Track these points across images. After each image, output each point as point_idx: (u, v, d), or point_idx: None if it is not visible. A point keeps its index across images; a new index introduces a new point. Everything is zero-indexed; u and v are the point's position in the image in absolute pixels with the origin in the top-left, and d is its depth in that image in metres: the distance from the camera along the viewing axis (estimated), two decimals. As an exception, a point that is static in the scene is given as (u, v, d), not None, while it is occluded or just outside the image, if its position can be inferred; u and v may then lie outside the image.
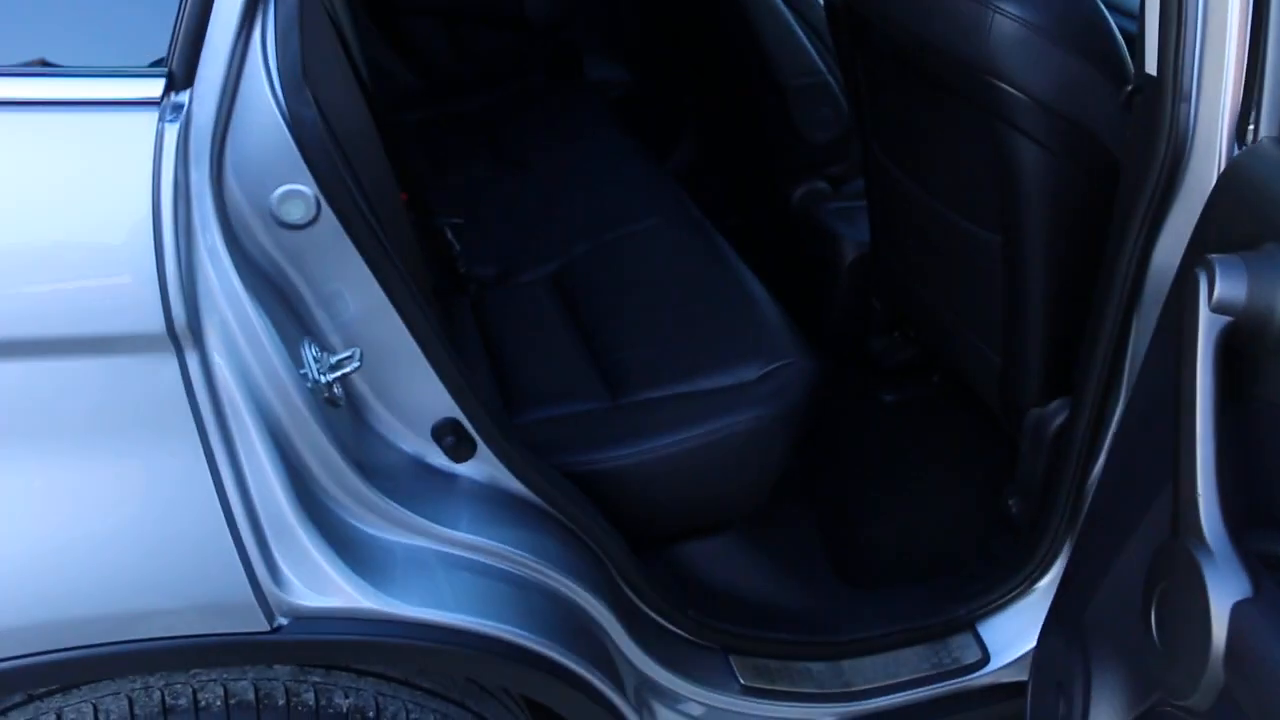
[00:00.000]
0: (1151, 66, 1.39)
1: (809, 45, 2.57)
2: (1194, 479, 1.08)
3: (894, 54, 1.90)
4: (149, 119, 1.05)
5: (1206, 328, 1.08)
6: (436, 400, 1.38)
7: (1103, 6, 1.62)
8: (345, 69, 1.37)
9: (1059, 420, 1.84)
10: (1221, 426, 1.08)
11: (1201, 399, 1.08)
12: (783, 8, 2.52)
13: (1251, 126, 1.27)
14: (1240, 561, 1.05)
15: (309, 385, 1.21)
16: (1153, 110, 1.39)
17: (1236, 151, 1.30)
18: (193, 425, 1.12)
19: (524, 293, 2.16)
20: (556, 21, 3.30)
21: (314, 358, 1.24)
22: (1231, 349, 1.09)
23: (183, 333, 1.09)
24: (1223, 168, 1.34)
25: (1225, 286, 1.08)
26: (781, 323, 1.93)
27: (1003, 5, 1.57)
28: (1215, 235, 1.20)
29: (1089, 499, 1.67)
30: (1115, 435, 1.51)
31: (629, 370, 1.86)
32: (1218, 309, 1.08)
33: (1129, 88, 1.50)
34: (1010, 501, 1.98)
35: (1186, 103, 1.36)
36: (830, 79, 2.58)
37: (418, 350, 1.33)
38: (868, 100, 2.13)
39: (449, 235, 2.18)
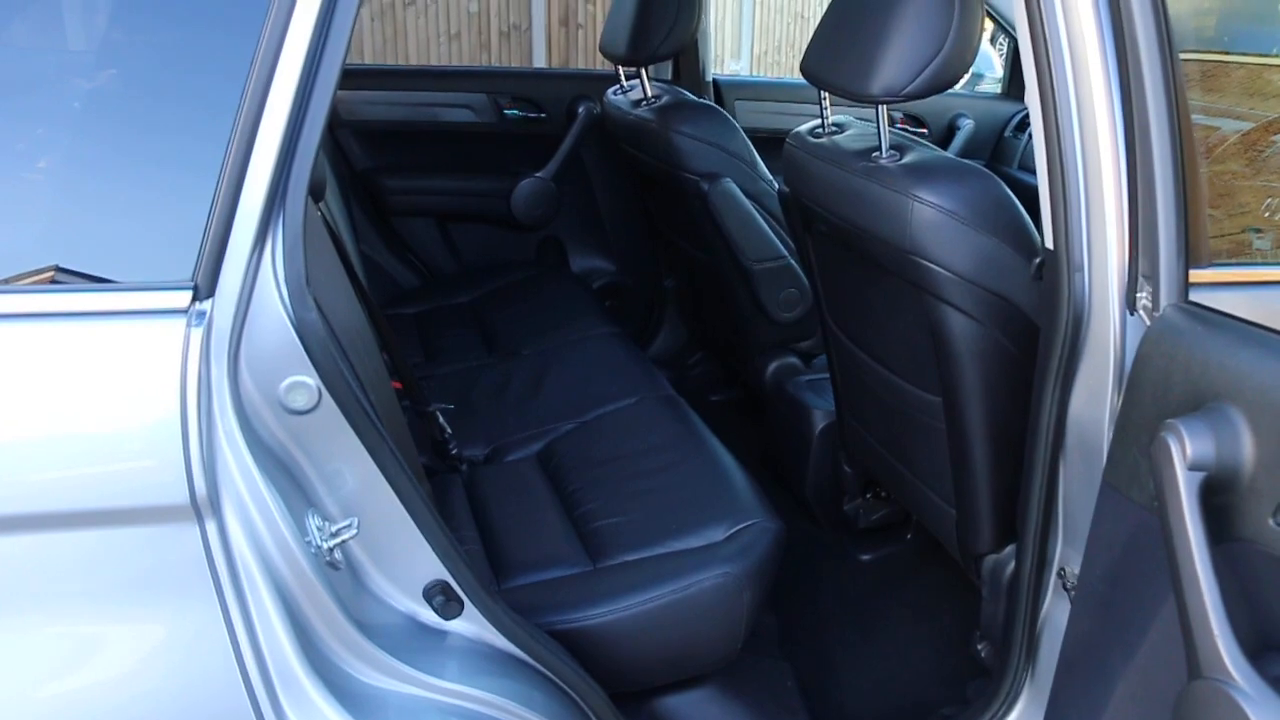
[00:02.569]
0: (1049, 241, 1.59)
1: (769, 232, 2.79)
2: (1208, 623, 1.19)
3: (836, 237, 2.11)
4: (178, 325, 1.24)
5: (1187, 485, 1.20)
6: (426, 564, 1.53)
7: (1009, 191, 1.83)
8: (342, 275, 1.56)
9: (1011, 566, 1.97)
10: (1217, 570, 1.20)
11: (1197, 549, 1.20)
12: (744, 199, 2.75)
13: (1143, 295, 1.45)
14: (1272, 689, 1.16)
15: (313, 551, 1.36)
16: (1054, 280, 1.58)
17: (1129, 315, 1.49)
18: (211, 586, 1.28)
19: (512, 470, 2.33)
20: (541, 220, 3.56)
21: (317, 526, 1.39)
22: (1207, 500, 1.22)
23: (203, 504, 1.25)
24: (1118, 330, 1.52)
25: (1196, 446, 1.21)
26: (747, 488, 2.09)
27: (920, 195, 1.79)
28: (1151, 400, 1.35)
29: (1042, 637, 1.80)
30: (1079, 586, 1.63)
31: (608, 537, 2.01)
32: (1194, 467, 1.21)
33: (1037, 260, 1.70)
34: (979, 646, 2.09)
35: (1080, 272, 1.55)
36: (792, 262, 2.80)
37: (409, 519, 1.49)
38: (819, 278, 2.34)
39: (441, 420, 2.36)
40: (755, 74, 8.60)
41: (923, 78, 1.76)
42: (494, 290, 3.35)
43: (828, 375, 2.58)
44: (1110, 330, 1.53)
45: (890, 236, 1.85)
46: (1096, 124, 1.48)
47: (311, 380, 1.35)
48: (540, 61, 7.97)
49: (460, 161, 3.57)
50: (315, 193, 1.78)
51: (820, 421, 2.68)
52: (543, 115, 3.54)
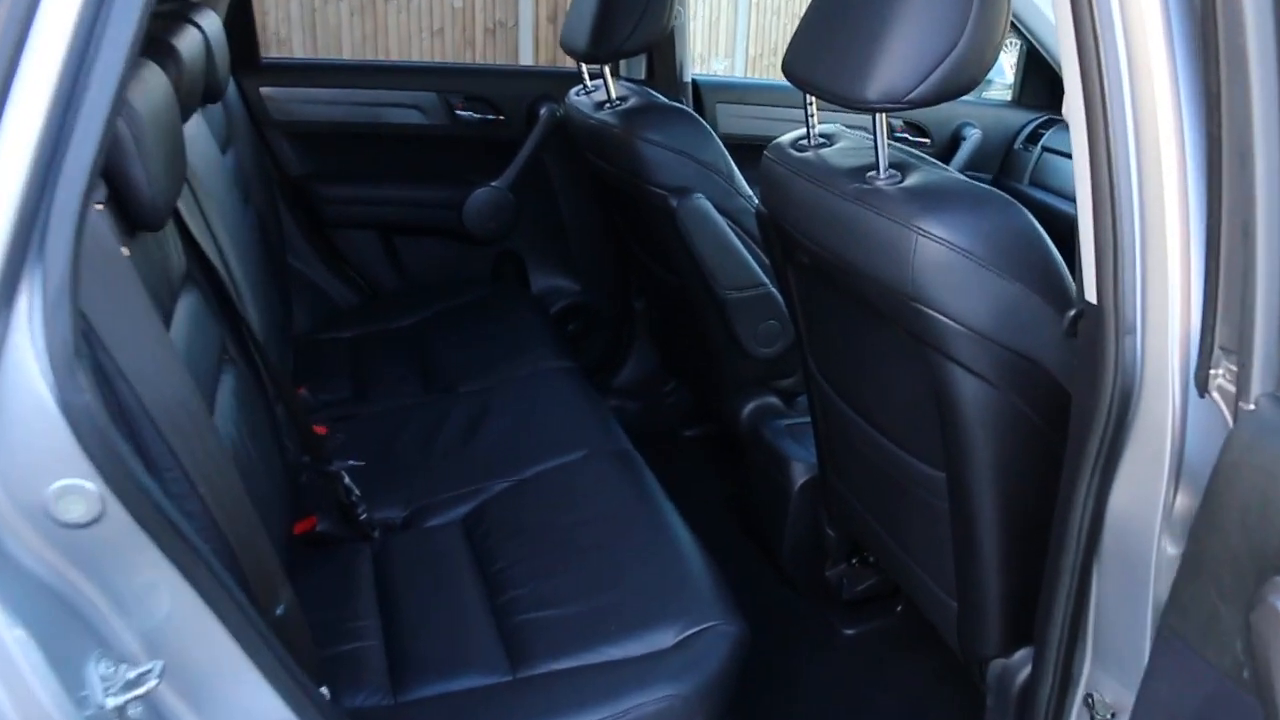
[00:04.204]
0: (1091, 293, 1.23)
1: (747, 256, 2.43)
2: None
3: (822, 272, 1.74)
4: None
5: None
6: (271, 712, 1.16)
7: (1036, 224, 1.47)
8: (159, 329, 1.20)
9: (1024, 674, 1.62)
10: None
11: None
12: (717, 218, 2.39)
13: (1219, 372, 1.09)
14: None
15: (88, 713, 0.99)
16: (1095, 341, 1.22)
17: (1198, 398, 1.13)
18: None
19: (431, 540, 1.96)
20: (496, 234, 3.19)
21: (103, 676, 1.02)
22: None
23: None
24: (1178, 413, 1.16)
25: None
26: (706, 576, 1.72)
27: (927, 227, 1.42)
28: (1242, 531, 0.99)
29: None
30: None
31: (534, 635, 1.64)
32: None
33: (1071, 312, 1.33)
34: None
35: (1132, 335, 1.19)
36: (773, 289, 2.43)
37: (243, 656, 1.12)
38: (801, 316, 1.98)
39: (346, 480, 1.99)
40: (744, 76, 8.21)
41: (931, 80, 1.40)
42: (440, 313, 2.98)
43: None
44: (1169, 412, 1.17)
45: (887, 277, 1.49)
46: (1160, 140, 1.12)
47: (91, 484, 0.99)
48: (528, 60, 7.62)
49: (407, 168, 3.20)
50: (148, 221, 1.41)
51: (801, 475, 2.32)
52: (500, 117, 3.17)
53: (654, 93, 2.66)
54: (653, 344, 3.27)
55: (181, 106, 1.75)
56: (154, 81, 1.56)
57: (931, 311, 1.45)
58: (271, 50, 7.56)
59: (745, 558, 2.55)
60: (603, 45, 2.49)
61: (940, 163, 1.63)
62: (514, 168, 3.14)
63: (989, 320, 1.42)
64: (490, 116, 3.16)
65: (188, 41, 2.03)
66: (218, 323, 1.80)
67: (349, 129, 3.12)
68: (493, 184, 3.14)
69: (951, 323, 1.43)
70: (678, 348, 3.08)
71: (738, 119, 3.21)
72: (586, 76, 2.74)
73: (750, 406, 2.61)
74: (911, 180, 1.52)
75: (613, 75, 2.71)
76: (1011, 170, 3.20)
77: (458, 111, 3.14)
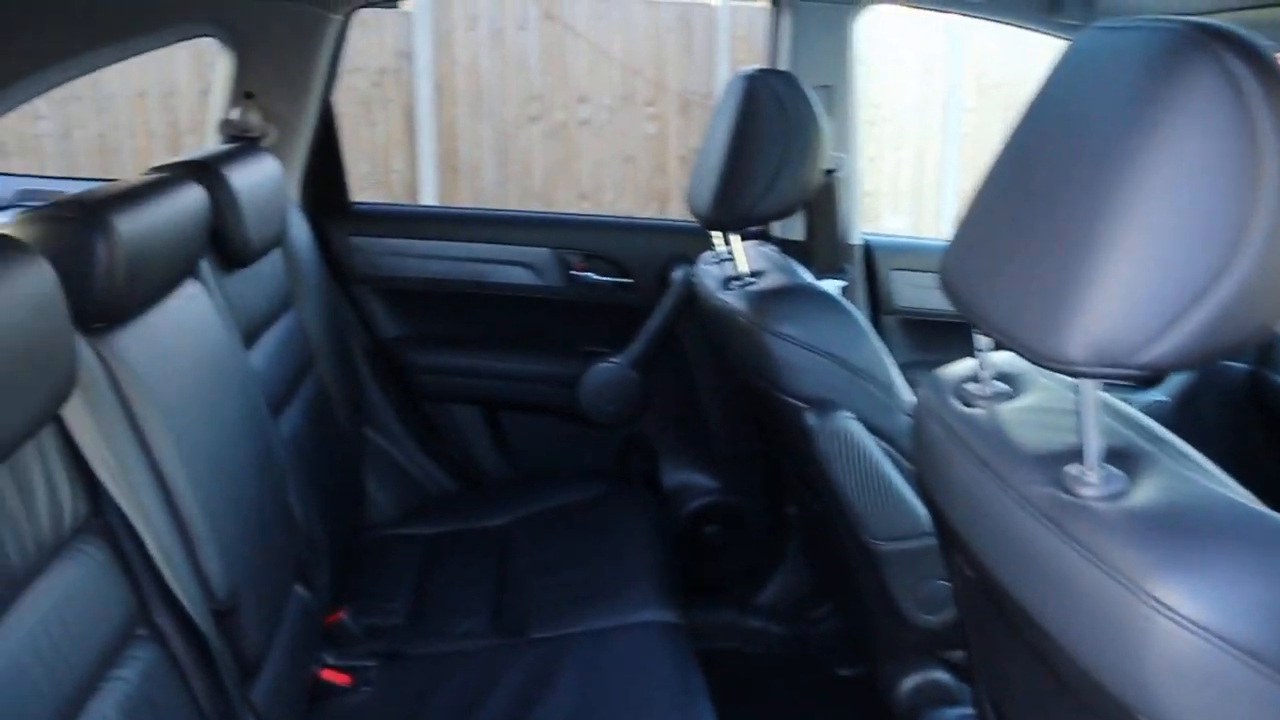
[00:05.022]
0: None
1: (908, 494, 1.80)
2: None
3: (994, 600, 1.12)
4: None
5: None
6: None
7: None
8: None
9: None
10: None
11: None
12: (869, 442, 1.78)
13: None
14: None
15: None
16: None
17: None
18: None
19: None
20: (617, 418, 2.64)
21: None
22: None
23: None
24: None
25: None
26: None
27: (1170, 602, 0.79)
28: None
29: None
30: None
31: None
32: None
33: None
34: None
35: None
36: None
37: None
38: (970, 628, 1.35)
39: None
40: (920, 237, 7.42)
41: (1181, 335, 0.79)
42: (541, 514, 2.44)
43: None
44: None
45: (1096, 665, 0.86)
46: None
47: None
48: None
49: (515, 335, 2.71)
50: None
51: None
52: (628, 280, 2.64)
53: (798, 268, 2.08)
54: (807, 557, 2.65)
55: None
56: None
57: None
58: (463, 179, 7.39)
59: None
60: (728, 210, 1.93)
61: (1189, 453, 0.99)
62: (640, 341, 2.60)
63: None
64: (614, 279, 2.64)
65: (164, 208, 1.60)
66: (123, 585, 1.32)
67: (448, 287, 2.65)
68: (613, 359, 2.61)
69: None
70: (834, 570, 2.45)
71: (920, 290, 2.59)
72: (719, 241, 2.20)
73: (911, 683, 1.97)
74: (1144, 493, 0.89)
75: (760, 237, 2.16)
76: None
77: (574, 272, 2.64)
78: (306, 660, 1.85)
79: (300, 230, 2.36)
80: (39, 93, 2.36)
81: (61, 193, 1.97)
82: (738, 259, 2.01)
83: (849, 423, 1.78)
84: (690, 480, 2.75)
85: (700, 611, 2.59)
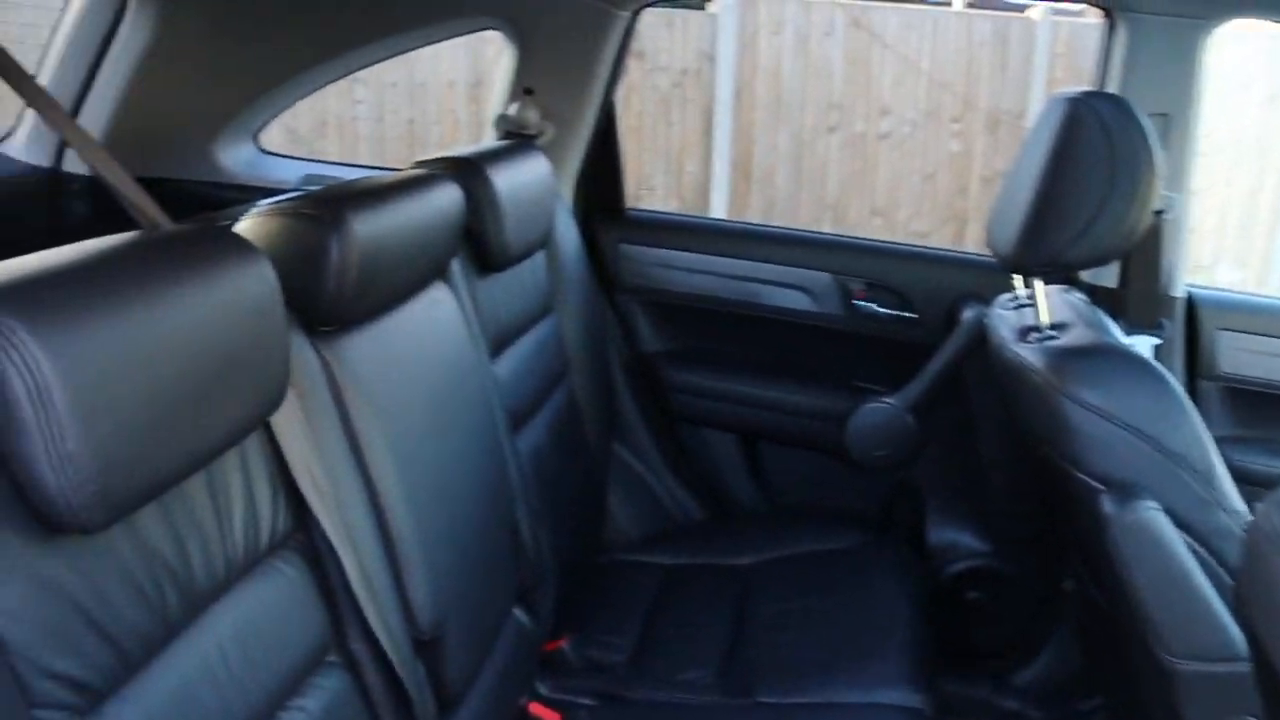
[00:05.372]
0: None
1: (1220, 608, 1.51)
2: None
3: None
4: None
5: None
6: None
7: None
8: None
9: None
10: None
11: None
12: (1176, 544, 1.50)
13: None
14: None
15: None
16: None
17: None
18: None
19: None
20: (885, 462, 2.42)
21: None
22: None
23: None
24: None
25: None
26: None
27: None
28: None
29: None
30: None
31: None
32: None
33: None
34: None
35: None
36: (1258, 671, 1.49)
37: None
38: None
39: None
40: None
41: None
42: (788, 559, 2.26)
43: None
44: None
45: None
46: None
47: None
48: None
49: (783, 362, 2.52)
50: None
51: None
52: (911, 315, 2.41)
53: (1109, 323, 1.80)
54: (1079, 641, 2.34)
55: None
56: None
57: None
58: (755, 186, 7.27)
59: None
60: (1033, 252, 1.68)
61: None
62: (920, 383, 2.37)
63: None
64: (897, 312, 2.42)
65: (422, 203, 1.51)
66: (318, 608, 1.23)
67: (717, 305, 2.50)
68: (887, 399, 2.39)
69: None
70: (1113, 669, 2.15)
71: (1252, 355, 2.24)
72: (1019, 284, 1.95)
73: None
74: None
75: (1067, 281, 1.90)
76: None
77: (855, 301, 2.43)
78: (516, 691, 1.74)
79: (568, 233, 2.27)
80: (332, 79, 2.38)
81: (339, 179, 1.95)
82: (1039, 307, 1.76)
83: (1154, 514, 1.50)
84: (958, 539, 2.49)
85: (950, 682, 2.34)
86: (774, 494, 2.61)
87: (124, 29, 2.07)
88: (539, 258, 2.11)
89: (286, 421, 1.19)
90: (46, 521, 0.84)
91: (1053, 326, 1.75)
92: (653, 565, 2.30)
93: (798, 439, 2.52)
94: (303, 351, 1.29)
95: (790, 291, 2.46)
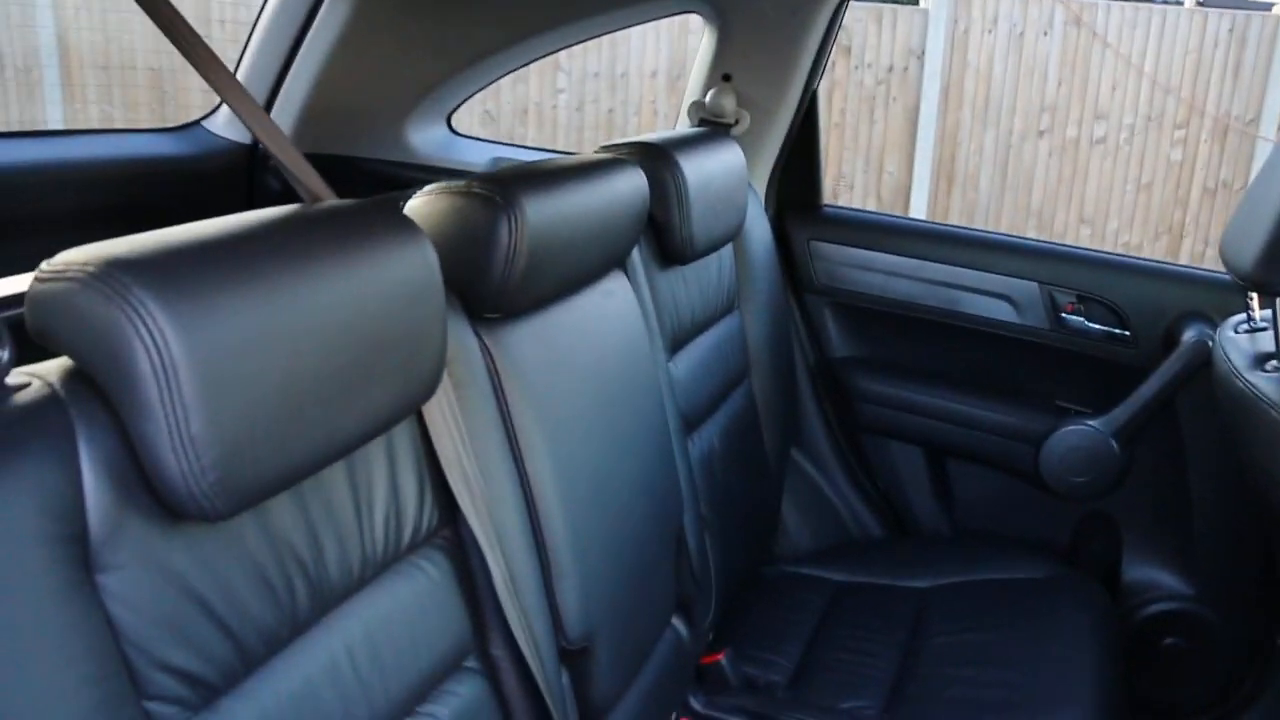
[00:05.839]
0: None
1: None
2: None
3: None
4: None
5: None
6: None
7: None
8: None
9: None
10: None
11: None
12: None
13: None
14: None
15: None
16: None
17: None
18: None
19: None
20: (1083, 491, 2.25)
21: None
22: None
23: None
24: None
25: None
26: None
27: None
28: None
29: None
30: None
31: None
32: None
33: None
34: None
35: None
36: None
37: None
38: None
39: None
40: None
41: None
42: (969, 585, 2.12)
43: None
44: None
45: None
46: None
47: None
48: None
49: (978, 376, 2.37)
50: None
51: None
52: (1124, 333, 2.23)
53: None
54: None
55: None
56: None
57: None
58: (957, 188, 7.03)
59: None
60: (1277, 269, 1.50)
61: None
62: (1129, 407, 2.18)
63: None
64: (1108, 328, 2.24)
65: (605, 190, 1.44)
66: (460, 610, 1.17)
67: (912, 311, 2.36)
68: (1090, 422, 2.21)
69: None
70: None
71: None
72: (1255, 305, 1.76)
73: None
74: None
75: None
76: None
77: (1064, 314, 2.26)
78: (667, 704, 1.66)
79: (760, 228, 2.17)
80: (527, 61, 2.34)
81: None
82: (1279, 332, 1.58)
83: None
84: (1158, 578, 2.29)
85: None
86: (958, 516, 2.46)
87: (322, 11, 2.09)
88: (726, 252, 2.02)
89: (439, 412, 1.13)
90: (169, 507, 0.80)
91: (1296, 357, 1.57)
92: (823, 580, 2.20)
93: (989, 459, 2.36)
94: (464, 338, 1.23)
95: (993, 300, 2.31)
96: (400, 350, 0.97)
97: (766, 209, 2.33)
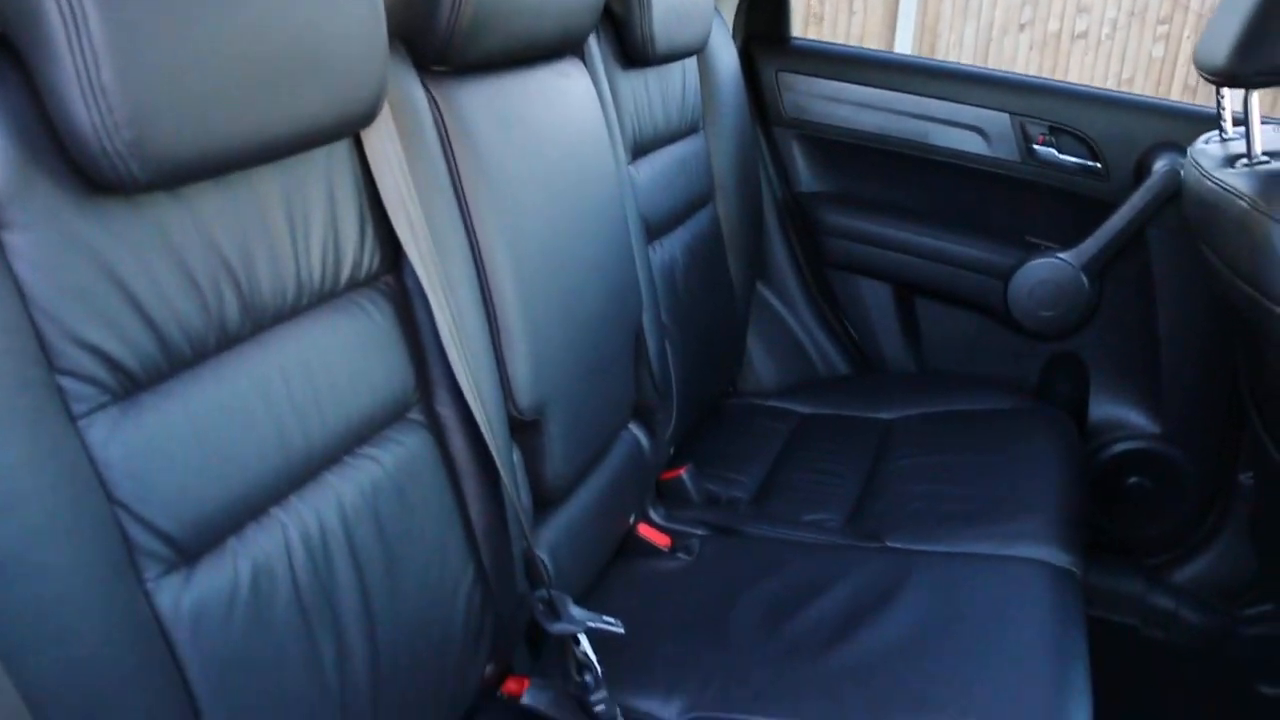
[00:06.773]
0: None
1: None
2: None
3: None
4: None
5: None
6: None
7: None
8: None
9: None
10: None
11: None
12: None
13: None
14: None
15: None
16: None
17: None
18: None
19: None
20: (1051, 327, 2.22)
21: None
22: None
23: None
24: None
25: None
26: None
27: None
28: None
29: None
30: None
31: None
32: None
33: None
34: None
35: None
36: None
37: None
38: None
39: (582, 648, 1.24)
40: None
41: None
42: (935, 416, 2.11)
43: None
44: None
45: None
46: None
47: None
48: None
49: (948, 210, 2.33)
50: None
51: None
52: (1096, 165, 2.19)
53: (1332, 152, 1.58)
54: (1253, 542, 2.14)
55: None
56: None
57: None
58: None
59: None
60: (1252, 59, 1.46)
61: None
62: (1098, 239, 2.16)
63: None
64: (1080, 160, 2.20)
65: None
66: (403, 358, 1.13)
67: (882, 144, 2.31)
68: (1059, 255, 2.19)
69: None
70: None
71: None
72: (1227, 116, 1.72)
73: None
74: None
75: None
76: None
77: (1035, 146, 2.22)
78: (622, 507, 1.65)
79: (724, 51, 2.11)
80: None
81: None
82: (1252, 130, 1.54)
83: None
84: (1124, 417, 2.29)
85: (1099, 573, 2.17)
86: (926, 357, 2.44)
87: None
88: (690, 67, 1.97)
89: (383, 155, 1.09)
90: (82, 168, 0.76)
91: (1266, 154, 1.54)
92: (788, 411, 2.18)
93: (957, 295, 2.34)
94: (410, 88, 1.19)
95: (963, 132, 2.26)
96: (335, 62, 0.93)
97: (735, 37, 2.27)
